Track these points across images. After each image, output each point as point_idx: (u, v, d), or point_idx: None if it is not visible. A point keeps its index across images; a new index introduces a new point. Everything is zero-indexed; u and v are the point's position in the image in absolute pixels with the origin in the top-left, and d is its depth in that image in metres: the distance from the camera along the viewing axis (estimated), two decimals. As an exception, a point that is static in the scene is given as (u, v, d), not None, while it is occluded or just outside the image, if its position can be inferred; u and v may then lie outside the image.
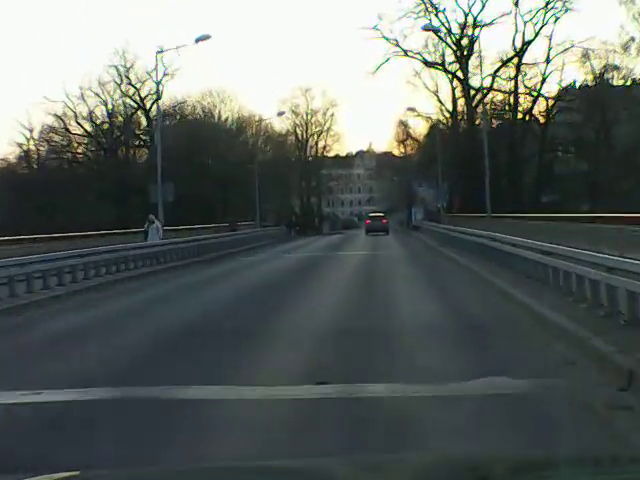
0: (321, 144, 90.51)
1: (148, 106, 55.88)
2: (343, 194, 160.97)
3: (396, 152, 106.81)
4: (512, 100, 62.68)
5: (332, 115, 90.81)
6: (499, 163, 67.71)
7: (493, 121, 65.61)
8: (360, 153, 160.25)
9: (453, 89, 64.86)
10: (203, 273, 25.45)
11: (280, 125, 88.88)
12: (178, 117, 65.79)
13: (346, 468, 3.26)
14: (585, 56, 60.29)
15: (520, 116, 64.30)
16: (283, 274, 24.57)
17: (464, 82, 60.88)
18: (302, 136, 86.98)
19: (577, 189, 70.48)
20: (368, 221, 61.89)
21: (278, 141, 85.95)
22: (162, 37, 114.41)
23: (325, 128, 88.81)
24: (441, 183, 53.15)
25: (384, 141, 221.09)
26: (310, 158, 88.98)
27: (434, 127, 72.66)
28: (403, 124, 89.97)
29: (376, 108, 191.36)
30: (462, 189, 64.22)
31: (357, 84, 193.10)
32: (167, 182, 33.04)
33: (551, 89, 64.90)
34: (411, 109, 60.13)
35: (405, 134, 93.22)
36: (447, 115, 70.59)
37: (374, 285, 19.77)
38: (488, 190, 32.73)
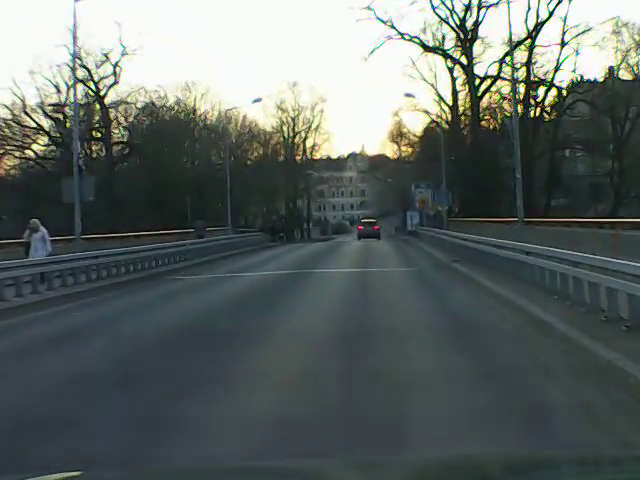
0: (309, 143, 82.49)
1: (103, 92, 47.47)
2: (334, 197, 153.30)
3: (390, 154, 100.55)
4: (522, 90, 54.63)
5: (321, 111, 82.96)
6: (507, 162, 59.96)
7: (501, 114, 57.72)
8: (352, 155, 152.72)
9: (454, 80, 56.95)
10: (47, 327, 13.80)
11: (264, 121, 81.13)
12: (149, 114, 57.72)
13: (346, 468, 3.21)
14: (608, 38, 52.39)
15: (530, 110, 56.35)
16: (178, 336, 11.95)
17: (468, 69, 52.96)
18: (288, 134, 78.88)
19: (588, 191, 63.05)
20: (360, 227, 60.94)
21: (264, 139, 77.97)
22: (125, 19, 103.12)
23: (314, 126, 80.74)
24: (444, 184, 44.99)
25: (377, 144, 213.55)
26: (298, 157, 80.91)
27: (433, 123, 65.14)
28: (398, 122, 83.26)
29: (369, 109, 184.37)
30: (463, 191, 56.34)
31: (348, 81, 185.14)
32: (86, 176, 24.66)
33: (564, 78, 56.66)
34: (409, 95, 51.98)
35: (399, 134, 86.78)
36: (447, 109, 62.90)
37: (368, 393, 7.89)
38: (520, 188, 24.73)
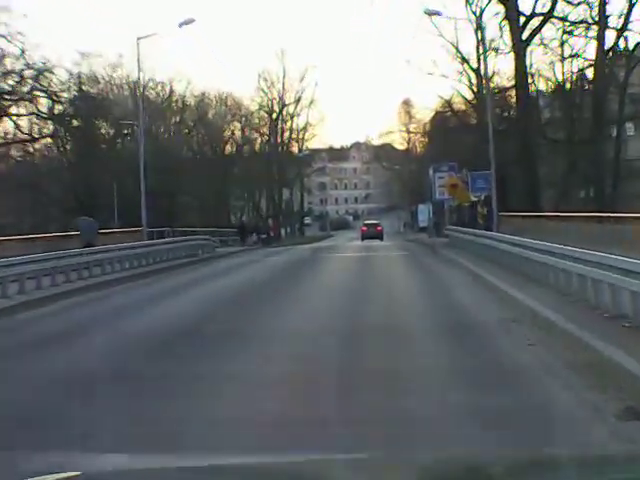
0: (301, 122, 65.59)
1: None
2: (337, 190, 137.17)
3: (397, 142, 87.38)
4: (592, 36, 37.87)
5: (315, 84, 66.66)
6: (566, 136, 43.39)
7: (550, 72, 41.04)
8: (356, 145, 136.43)
9: (481, 29, 40.40)
10: None
11: (242, 93, 64.39)
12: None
13: (346, 468, 3.10)
14: None
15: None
16: None
17: (509, 2, 36.10)
18: (272, 108, 61.85)
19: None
20: (364, 228, 59.35)
21: (245, 119, 61.27)
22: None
23: (305, 100, 63.90)
24: (492, 162, 27.30)
25: (383, 133, 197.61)
26: (287, 137, 63.95)
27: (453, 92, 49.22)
28: (407, 102, 69.76)
29: (374, 94, 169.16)
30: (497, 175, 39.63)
31: (350, 63, 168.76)
32: None
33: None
34: (433, 13, 34.21)
35: (409, 116, 73.74)
36: (471, 73, 46.97)
37: None
38: None
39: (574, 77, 39.37)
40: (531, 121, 36.91)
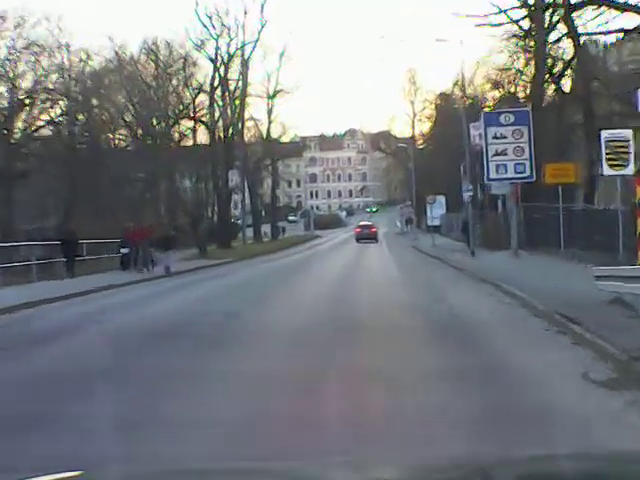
0: (272, 82, 45.40)
1: None
2: (329, 182, 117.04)
3: (400, 127, 72.04)
4: None
5: (290, 33, 46.83)
6: None
7: None
8: (351, 132, 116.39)
9: None
10: None
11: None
12: None
13: (345, 468, 2.96)
14: None
15: None
16: None
17: None
18: (216, 52, 41.44)
19: None
20: (358, 230, 58.21)
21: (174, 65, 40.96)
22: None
23: (276, 52, 43.69)
24: None
25: (381, 120, 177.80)
26: (238, 97, 43.56)
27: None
28: (412, 73, 61.52)
29: (372, 81, 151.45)
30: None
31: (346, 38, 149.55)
32: None
33: None
34: None
35: (415, 88, 63.13)
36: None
37: None
38: None
39: None
40: None
